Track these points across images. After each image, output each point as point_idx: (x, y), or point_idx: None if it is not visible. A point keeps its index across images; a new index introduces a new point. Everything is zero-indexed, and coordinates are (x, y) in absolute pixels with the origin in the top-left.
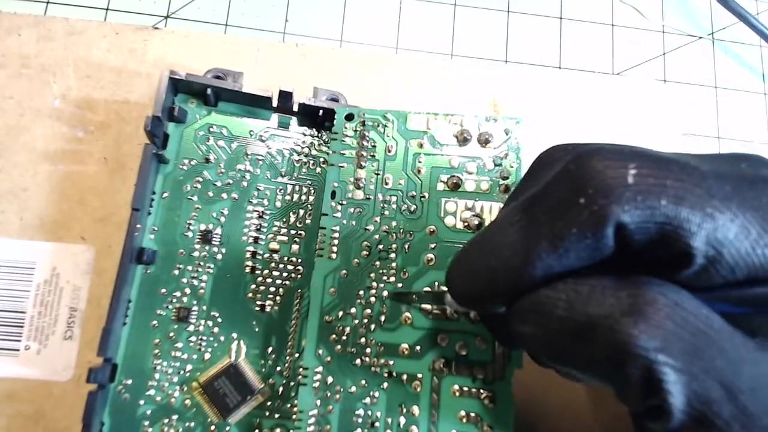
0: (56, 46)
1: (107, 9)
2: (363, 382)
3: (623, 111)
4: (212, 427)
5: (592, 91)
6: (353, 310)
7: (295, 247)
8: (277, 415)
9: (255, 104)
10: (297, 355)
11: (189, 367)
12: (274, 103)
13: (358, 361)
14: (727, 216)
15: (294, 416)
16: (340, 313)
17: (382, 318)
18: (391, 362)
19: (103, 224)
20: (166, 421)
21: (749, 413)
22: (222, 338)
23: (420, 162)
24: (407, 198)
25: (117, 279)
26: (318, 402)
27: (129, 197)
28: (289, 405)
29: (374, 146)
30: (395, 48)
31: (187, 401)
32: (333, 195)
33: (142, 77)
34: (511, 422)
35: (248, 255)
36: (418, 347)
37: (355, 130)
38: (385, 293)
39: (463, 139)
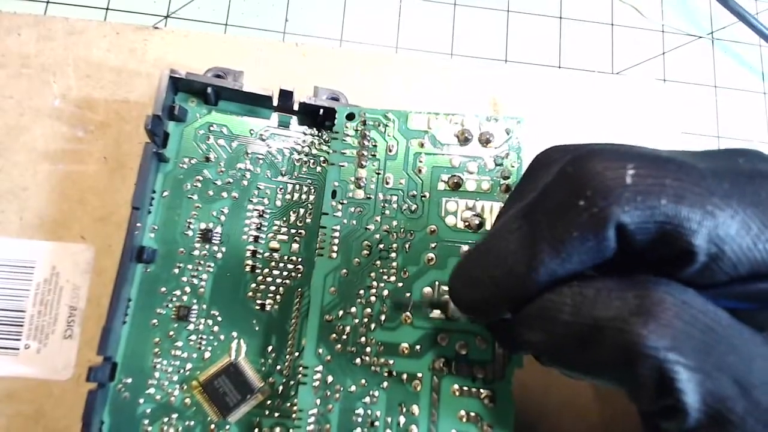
0: (56, 45)
1: (107, 9)
2: (363, 381)
3: (623, 110)
4: (212, 426)
5: (591, 90)
6: (353, 309)
7: (295, 246)
8: (276, 414)
9: (255, 103)
10: (297, 354)
11: (189, 365)
12: (275, 102)
13: (358, 360)
14: (728, 213)
15: (294, 415)
16: (341, 313)
17: (383, 317)
18: (391, 361)
19: (103, 223)
20: (165, 419)
21: (763, 407)
22: (222, 337)
23: (421, 161)
24: (408, 197)
25: (117, 278)
26: (318, 401)
27: (129, 196)
28: (288, 404)
29: (375, 145)
30: (395, 47)
31: (187, 400)
32: (333, 194)
33: (142, 77)
34: (511, 422)
35: (248, 254)
36: (418, 347)
37: (356, 130)
38: (386, 292)
39: (464, 139)
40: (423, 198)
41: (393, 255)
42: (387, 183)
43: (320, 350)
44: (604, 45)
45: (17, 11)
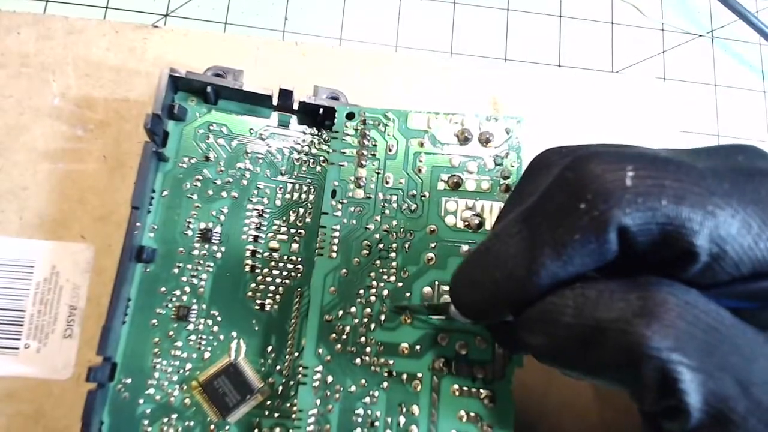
0: (56, 44)
1: (107, 7)
2: (363, 381)
3: (623, 109)
4: (212, 426)
5: (591, 89)
6: (353, 309)
7: (295, 245)
8: (276, 415)
9: (255, 102)
10: (297, 354)
11: (188, 366)
12: (275, 102)
13: (357, 360)
14: (728, 212)
15: (293, 415)
16: (340, 312)
17: (382, 317)
18: (391, 361)
19: (103, 223)
20: (165, 420)
21: (765, 407)
22: (221, 337)
23: (420, 161)
24: (408, 197)
25: (116, 277)
26: (318, 401)
27: (129, 196)
28: (288, 404)
29: (375, 145)
30: (395, 46)
31: (187, 400)
32: (333, 194)
33: (142, 76)
34: (511, 422)
35: (248, 254)
36: (417, 347)
37: (356, 129)
38: (386, 292)
39: (463, 139)
40: (423, 198)
41: (393, 255)
42: (387, 182)
43: (320, 350)
44: (604, 44)
45: (17, 10)
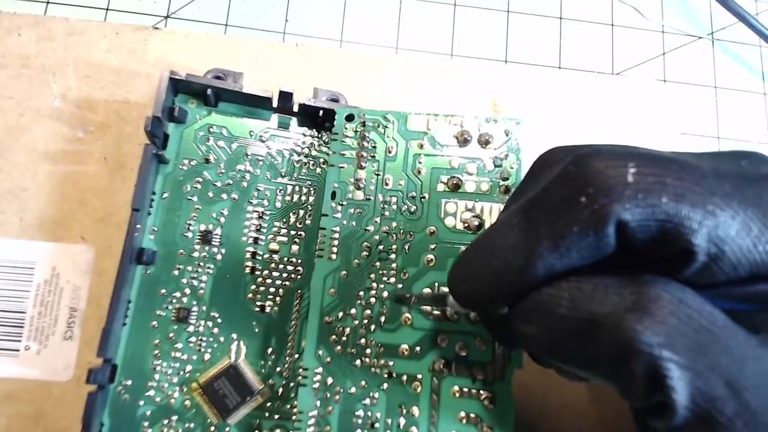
0: (56, 46)
1: (107, 9)
2: (363, 382)
3: (623, 111)
4: (212, 428)
5: (591, 91)
6: (353, 310)
7: (295, 247)
8: (276, 416)
9: (255, 104)
10: (297, 355)
11: (189, 367)
12: (274, 104)
13: (358, 361)
14: (728, 213)
15: (294, 417)
16: (340, 314)
17: (382, 319)
18: (391, 363)
19: (103, 224)
20: (165, 421)
21: (752, 410)
22: (222, 339)
23: (420, 163)
24: (407, 199)
25: (117, 279)
26: (318, 403)
27: (129, 197)
28: (288, 406)
29: (374, 147)
30: (395, 48)
31: (187, 402)
32: (333, 195)
33: (142, 77)
34: (511, 423)
35: (248, 255)
36: (418, 348)
37: (356, 131)
38: (385, 294)
39: (463, 140)
40: (422, 199)
41: (392, 256)
42: (386, 184)
43: (320, 352)
44: (604, 45)
45: (17, 12)
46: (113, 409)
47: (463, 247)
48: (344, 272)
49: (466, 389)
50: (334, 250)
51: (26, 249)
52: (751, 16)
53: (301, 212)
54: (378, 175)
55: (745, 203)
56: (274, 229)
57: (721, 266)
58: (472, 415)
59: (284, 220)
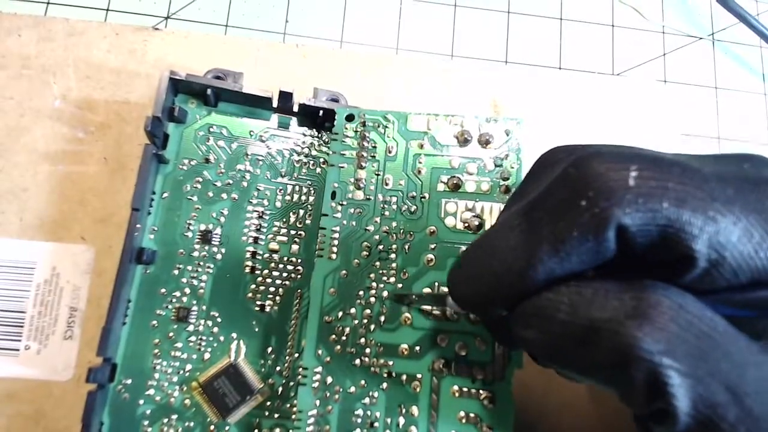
0: (56, 46)
1: (107, 10)
2: (362, 382)
3: (623, 112)
4: (212, 427)
5: (592, 91)
6: (353, 310)
7: (294, 247)
8: (276, 415)
9: (255, 104)
10: (296, 355)
11: (188, 366)
12: (275, 104)
13: (357, 361)
14: (730, 219)
15: (293, 416)
16: (340, 314)
17: (382, 318)
18: (391, 362)
19: (103, 224)
20: (165, 420)
21: (755, 416)
22: (221, 338)
23: (420, 163)
24: (407, 198)
25: (117, 279)
26: (317, 402)
27: (129, 197)
28: (288, 405)
29: (374, 147)
30: (395, 49)
31: (187, 401)
32: (333, 195)
33: (142, 78)
34: (511, 423)
35: (248, 255)
36: (417, 348)
37: (356, 131)
38: (385, 293)
39: (463, 140)
40: (422, 199)
41: (392, 256)
42: (386, 184)
43: (320, 351)
44: (605, 46)
45: (17, 12)
46: (113, 408)
47: (463, 247)
48: (344, 272)
49: (465, 389)
50: (334, 249)
51: (26, 249)
52: (752, 16)
53: (301, 212)
54: (378, 175)
55: (747, 209)
56: (274, 228)
57: (722, 272)
58: (472, 415)
59: (284, 219)
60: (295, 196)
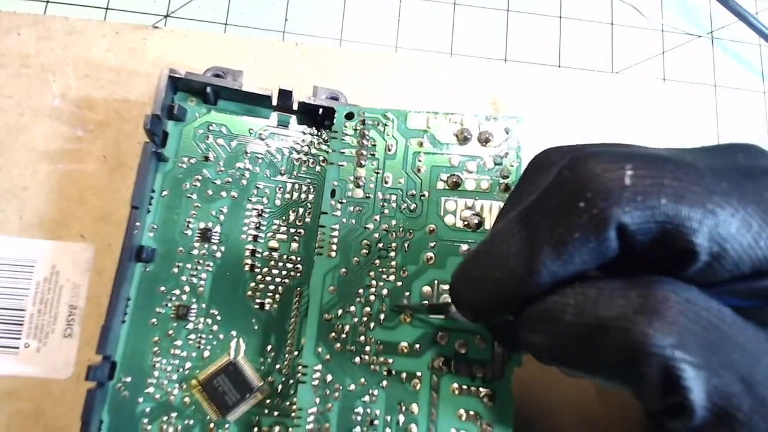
0: (56, 45)
1: (107, 8)
2: (362, 380)
3: (622, 110)
4: (211, 425)
5: (591, 89)
6: (353, 308)
7: (294, 245)
8: (276, 413)
9: (255, 103)
10: (296, 353)
11: (188, 364)
12: (274, 102)
13: (357, 359)
14: (728, 211)
15: (293, 414)
16: (340, 312)
17: (382, 316)
18: (391, 360)
19: (103, 223)
20: (165, 418)
21: None
22: (221, 336)
23: (420, 161)
24: (407, 197)
25: (116, 277)
26: (317, 400)
27: (128, 196)
28: (288, 403)
29: (374, 145)
30: (395, 47)
31: (186, 399)
32: (333, 193)
33: (142, 76)
34: (511, 420)
35: (247, 253)
36: (417, 345)
37: (355, 129)
38: (385, 291)
39: (463, 138)
40: (422, 197)
41: (392, 254)
42: (386, 182)
43: (319, 349)
44: (604, 44)
45: (17, 11)
46: (112, 406)
47: (463, 246)
48: (344, 270)
49: (465, 387)
50: (334, 247)
51: (26, 247)
52: (751, 15)
53: (301, 210)
54: (378, 173)
55: (745, 200)
56: (274, 226)
57: (724, 264)
58: (472, 413)
59: (284, 217)
60: (295, 194)
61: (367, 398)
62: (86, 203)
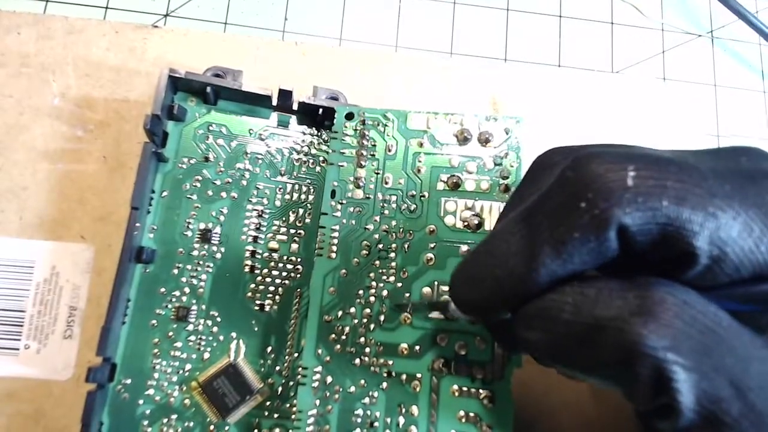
0: (56, 44)
1: (107, 7)
2: (362, 381)
3: (623, 109)
4: (211, 427)
5: (591, 89)
6: (353, 309)
7: (294, 246)
8: (276, 415)
9: (254, 103)
10: (296, 354)
11: (188, 366)
12: (274, 102)
13: (357, 360)
14: (730, 214)
15: (293, 416)
16: (340, 313)
17: (382, 318)
18: (391, 362)
19: (103, 223)
20: (165, 420)
21: (758, 411)
22: (221, 338)
23: (420, 161)
24: (407, 197)
25: (116, 278)
26: (317, 402)
27: (128, 196)
28: (288, 405)
29: (374, 145)
30: (395, 46)
31: (186, 401)
32: (333, 194)
33: (142, 76)
34: (511, 422)
35: (247, 254)
36: (417, 347)
37: (355, 129)
38: (385, 293)
39: (463, 139)
40: (422, 198)
41: (392, 255)
42: (386, 183)
43: (319, 351)
44: (604, 44)
45: (17, 10)
46: (113, 407)
47: (463, 246)
48: (344, 271)
49: (465, 388)
50: (334, 248)
51: (26, 248)
52: (751, 14)
53: (301, 211)
54: (378, 173)
55: (747, 203)
56: (274, 227)
57: (724, 268)
58: (472, 414)
59: (284, 218)
60: (295, 195)
61: (367, 400)
62: (86, 203)
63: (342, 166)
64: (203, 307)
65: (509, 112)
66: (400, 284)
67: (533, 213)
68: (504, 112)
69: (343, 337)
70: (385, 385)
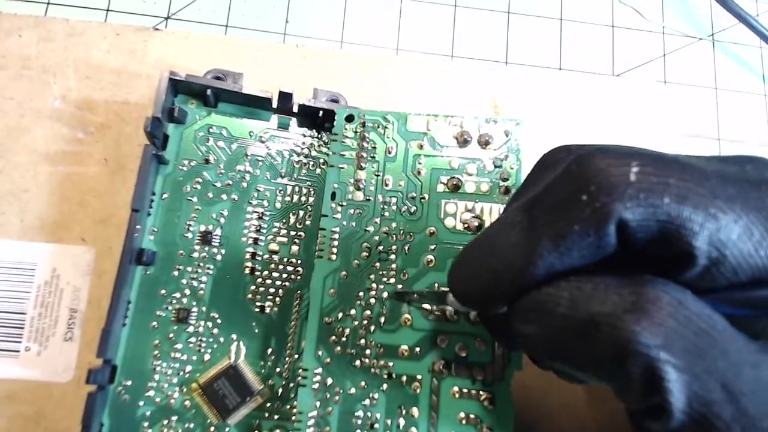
0: (56, 47)
1: (108, 10)
2: (362, 383)
3: (623, 112)
4: (212, 429)
5: (592, 92)
6: (353, 311)
7: (294, 248)
8: (276, 417)
9: (255, 105)
10: (296, 356)
11: (188, 368)
12: (274, 104)
13: (357, 362)
14: (731, 217)
15: (293, 417)
16: (340, 315)
17: (382, 319)
18: (391, 364)
19: (104, 225)
20: (165, 422)
21: (750, 415)
22: (221, 339)
23: (420, 163)
24: (407, 199)
25: (116, 280)
26: (317, 403)
27: (129, 198)
28: (288, 406)
29: (374, 147)
30: (395, 49)
31: (187, 402)
32: (333, 196)
33: (142, 78)
34: (511, 424)
35: (248, 256)
36: (417, 349)
37: (355, 132)
38: (385, 294)
39: (463, 141)
40: (422, 200)
41: (392, 257)
42: (386, 185)
43: (320, 352)
44: (605, 47)
45: (18, 12)
46: (113, 409)
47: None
48: (344, 273)
49: (465, 390)
50: (334, 250)
51: (27, 250)
52: (752, 17)
53: (301, 213)
54: (378, 175)
55: (748, 207)
56: (274, 229)
57: (722, 270)
58: (472, 416)
59: (284, 220)
60: (295, 197)
61: (367, 402)
62: (87, 206)
63: (342, 168)
64: (204, 308)
65: (510, 114)
66: (400, 286)
67: (535, 205)
68: (505, 114)
69: (344, 338)
70: (385, 386)
